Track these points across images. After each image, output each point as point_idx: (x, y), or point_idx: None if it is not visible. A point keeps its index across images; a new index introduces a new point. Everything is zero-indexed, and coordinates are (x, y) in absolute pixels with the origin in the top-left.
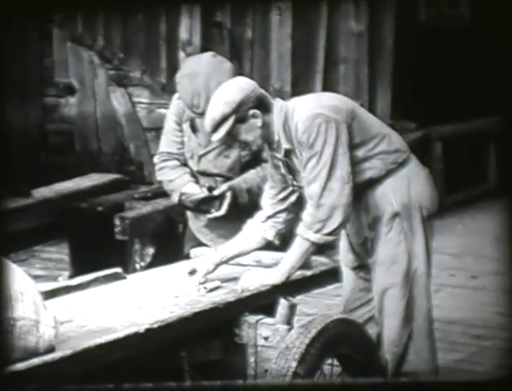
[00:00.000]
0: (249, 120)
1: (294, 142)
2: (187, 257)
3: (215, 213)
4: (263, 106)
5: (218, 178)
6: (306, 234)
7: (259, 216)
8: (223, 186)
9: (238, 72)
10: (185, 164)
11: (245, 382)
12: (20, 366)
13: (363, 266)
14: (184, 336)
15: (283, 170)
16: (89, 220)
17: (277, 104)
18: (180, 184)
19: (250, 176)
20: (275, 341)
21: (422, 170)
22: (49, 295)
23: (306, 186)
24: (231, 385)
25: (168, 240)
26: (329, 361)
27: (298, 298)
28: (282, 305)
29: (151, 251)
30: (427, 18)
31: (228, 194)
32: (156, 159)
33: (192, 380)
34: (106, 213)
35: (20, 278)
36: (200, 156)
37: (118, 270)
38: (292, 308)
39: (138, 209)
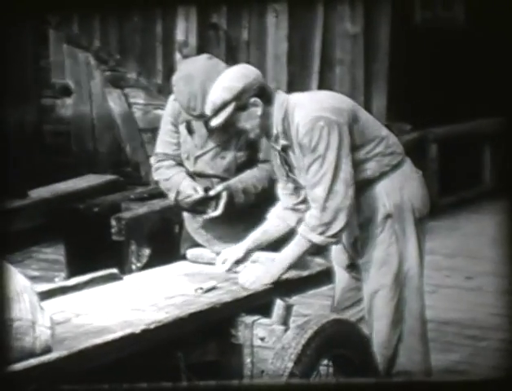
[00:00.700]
0: (249, 108)
1: (294, 140)
2: (184, 257)
3: (211, 214)
4: (265, 96)
5: (214, 179)
6: (309, 235)
7: (279, 205)
8: (219, 187)
9: None
10: (181, 165)
11: (241, 382)
12: (17, 366)
13: (354, 266)
14: (180, 337)
15: (279, 161)
16: (85, 221)
17: (279, 97)
18: (176, 182)
19: (246, 176)
20: (271, 342)
21: (416, 173)
22: (45, 295)
23: (309, 189)
24: (226, 385)
25: (164, 241)
26: (326, 362)
27: (294, 299)
28: (278, 305)
29: (147, 252)
30: (422, 20)
31: (224, 194)
32: (152, 160)
33: (189, 381)
34: (102, 214)
35: (17, 278)
36: (197, 158)
37: (114, 270)
38: (288, 308)
39: (134, 210)
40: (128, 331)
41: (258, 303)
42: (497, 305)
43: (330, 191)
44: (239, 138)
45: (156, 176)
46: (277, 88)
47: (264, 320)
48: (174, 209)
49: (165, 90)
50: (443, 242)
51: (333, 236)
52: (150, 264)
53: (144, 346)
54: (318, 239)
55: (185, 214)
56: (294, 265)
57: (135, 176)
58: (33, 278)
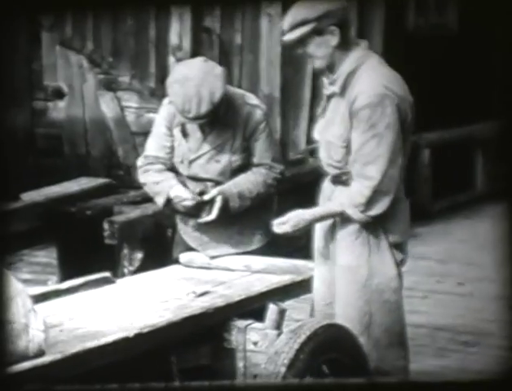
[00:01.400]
0: (325, 35)
1: (346, 99)
2: (176, 261)
3: (206, 218)
4: (345, 30)
5: (209, 183)
6: (349, 209)
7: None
8: (214, 191)
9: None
10: (170, 170)
11: (233, 383)
12: (10, 369)
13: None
14: (174, 341)
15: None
16: (78, 224)
17: (358, 50)
18: (167, 186)
19: (241, 180)
20: (264, 346)
21: (404, 199)
22: (38, 299)
23: (359, 164)
24: (219, 386)
25: (156, 245)
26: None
27: (286, 303)
28: (271, 310)
29: (139, 255)
30: (415, 26)
31: (219, 198)
32: (139, 161)
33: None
34: (95, 218)
35: (10, 281)
36: (191, 161)
37: (107, 274)
38: (281, 313)
39: (127, 214)
40: (121, 334)
41: (251, 307)
42: (490, 311)
43: (385, 174)
44: (234, 141)
45: (143, 178)
46: (270, 92)
47: (257, 324)
48: (167, 213)
49: (158, 94)
50: (435, 247)
51: (373, 217)
52: (142, 268)
53: (138, 350)
54: (357, 215)
55: (178, 218)
56: (319, 220)
57: (128, 179)
58: (24, 282)
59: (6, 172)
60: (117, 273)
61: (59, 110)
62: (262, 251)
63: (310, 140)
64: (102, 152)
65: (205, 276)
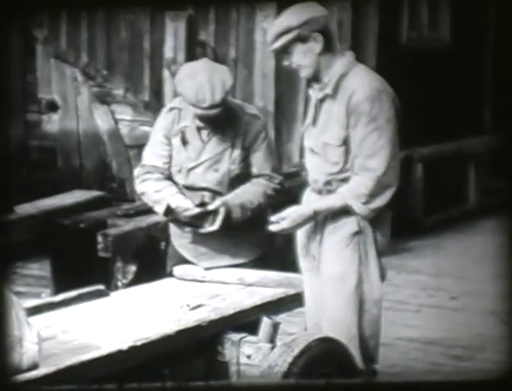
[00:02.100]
0: (309, 42)
1: (340, 99)
2: (170, 274)
3: (208, 228)
4: (328, 36)
5: (206, 193)
6: (351, 200)
7: None
8: (217, 202)
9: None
10: (169, 179)
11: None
12: (3, 382)
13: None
14: (167, 354)
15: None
16: (71, 237)
17: (348, 56)
18: (167, 194)
19: (242, 191)
20: (257, 360)
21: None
22: (32, 311)
23: (361, 158)
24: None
25: (150, 258)
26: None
27: (280, 317)
28: (265, 323)
29: (133, 268)
30: (408, 39)
31: (222, 209)
32: (137, 171)
33: None
34: (88, 230)
35: (4, 294)
36: (189, 170)
37: (101, 287)
38: (275, 326)
39: (120, 226)
40: (115, 347)
41: (245, 321)
42: (482, 325)
43: (388, 165)
44: (233, 150)
45: (142, 187)
46: (264, 106)
47: (251, 338)
48: (160, 226)
49: (152, 107)
50: (427, 261)
51: (374, 210)
52: (136, 281)
53: (131, 363)
54: (359, 207)
55: (173, 230)
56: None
57: (121, 192)
58: (18, 294)
59: (0, 184)
60: (111, 286)
61: (52, 122)
62: (255, 264)
63: (303, 153)
64: (95, 165)
65: (198, 289)
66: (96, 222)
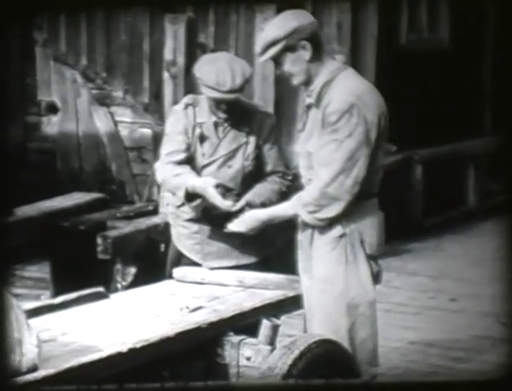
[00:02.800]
0: (298, 51)
1: (321, 107)
2: (170, 276)
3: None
4: (316, 44)
5: (218, 189)
6: (299, 209)
7: None
8: (242, 201)
9: None
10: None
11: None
12: (3, 385)
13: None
14: (167, 356)
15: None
16: (71, 239)
17: (333, 63)
18: (186, 179)
19: (261, 190)
20: (257, 362)
21: (378, 211)
22: (32, 314)
23: (316, 164)
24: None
25: (149, 260)
26: None
27: (279, 319)
28: (265, 325)
29: (132, 270)
30: (408, 41)
31: (247, 209)
32: (157, 163)
33: None
34: (88, 232)
35: (4, 296)
36: (203, 167)
37: (101, 289)
38: (275, 328)
39: (120, 229)
40: (114, 350)
41: (245, 323)
42: (482, 327)
43: (336, 179)
44: (247, 146)
45: (161, 174)
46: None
47: (250, 340)
48: (160, 228)
49: (151, 109)
50: (427, 263)
51: (321, 220)
52: (135, 283)
53: (131, 365)
54: (306, 216)
55: (177, 232)
56: (277, 226)
57: (121, 194)
58: (17, 297)
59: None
60: (110, 288)
61: (52, 125)
62: (260, 266)
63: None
64: (95, 167)
65: (198, 291)
66: (96, 224)
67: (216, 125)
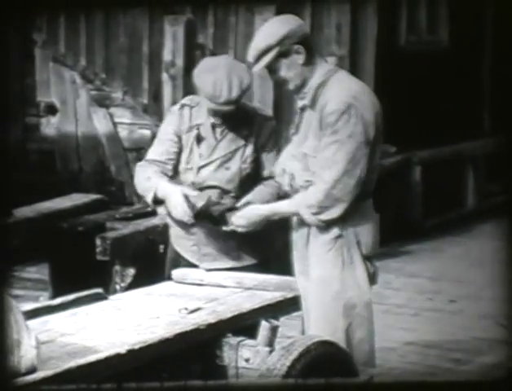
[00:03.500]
0: (291, 56)
1: (317, 109)
2: (169, 278)
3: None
4: (308, 46)
5: (214, 191)
6: (302, 209)
7: None
8: (243, 201)
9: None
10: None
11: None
12: (2, 386)
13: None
14: (165, 358)
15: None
16: (69, 240)
17: (325, 66)
18: (156, 183)
19: (260, 193)
20: (256, 363)
21: (373, 213)
22: (30, 315)
23: (318, 167)
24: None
25: (148, 261)
26: None
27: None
28: (264, 326)
29: (131, 271)
30: (407, 42)
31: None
32: (137, 165)
33: None
34: (87, 233)
35: (2, 297)
36: (200, 168)
37: (100, 290)
38: (273, 330)
39: (119, 230)
40: (113, 351)
41: (244, 324)
42: (481, 329)
43: (340, 180)
44: (245, 149)
45: (136, 176)
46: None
47: (249, 341)
48: (159, 229)
49: (150, 110)
50: (426, 265)
51: (324, 221)
52: (134, 284)
53: (129, 366)
54: (309, 217)
55: (177, 233)
56: (277, 222)
57: (120, 195)
58: (16, 298)
59: None
60: (109, 289)
61: (51, 126)
62: (257, 268)
63: None
64: (94, 168)
65: (197, 292)
66: (94, 225)
67: (214, 126)
